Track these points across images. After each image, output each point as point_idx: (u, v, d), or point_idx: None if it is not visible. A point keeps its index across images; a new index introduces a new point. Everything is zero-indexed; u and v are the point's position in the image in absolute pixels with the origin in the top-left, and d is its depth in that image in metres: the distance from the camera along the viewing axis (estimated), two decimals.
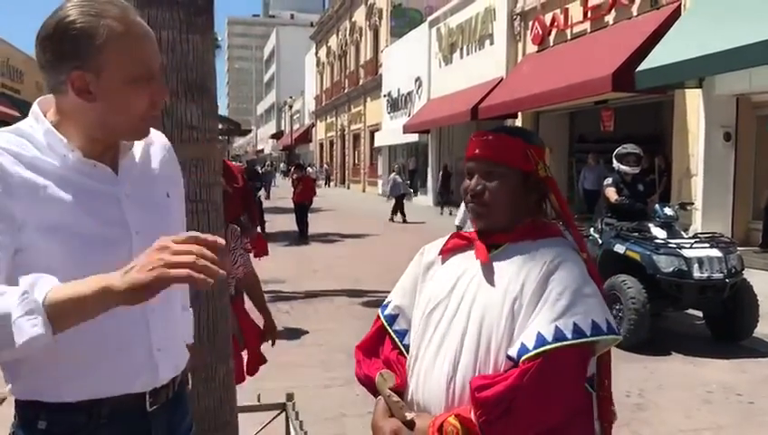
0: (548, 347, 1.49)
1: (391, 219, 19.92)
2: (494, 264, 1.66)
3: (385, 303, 1.91)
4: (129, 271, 1.20)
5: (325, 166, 46.23)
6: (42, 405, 1.42)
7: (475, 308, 1.62)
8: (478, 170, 1.70)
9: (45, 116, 1.45)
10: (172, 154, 1.67)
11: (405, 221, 19.52)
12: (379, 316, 1.89)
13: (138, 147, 1.55)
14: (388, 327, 1.84)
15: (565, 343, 1.50)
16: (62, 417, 1.42)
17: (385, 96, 32.17)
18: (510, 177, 1.67)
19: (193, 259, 1.17)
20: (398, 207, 20.05)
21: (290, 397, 3.42)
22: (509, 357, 1.54)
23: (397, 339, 1.82)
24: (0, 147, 1.35)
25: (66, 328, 1.22)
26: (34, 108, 1.46)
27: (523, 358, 1.50)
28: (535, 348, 1.50)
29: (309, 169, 29.42)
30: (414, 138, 27.46)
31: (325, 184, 32.91)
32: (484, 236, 1.72)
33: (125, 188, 1.48)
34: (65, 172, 1.40)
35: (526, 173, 1.68)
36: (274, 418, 3.49)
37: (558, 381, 1.52)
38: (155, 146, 1.61)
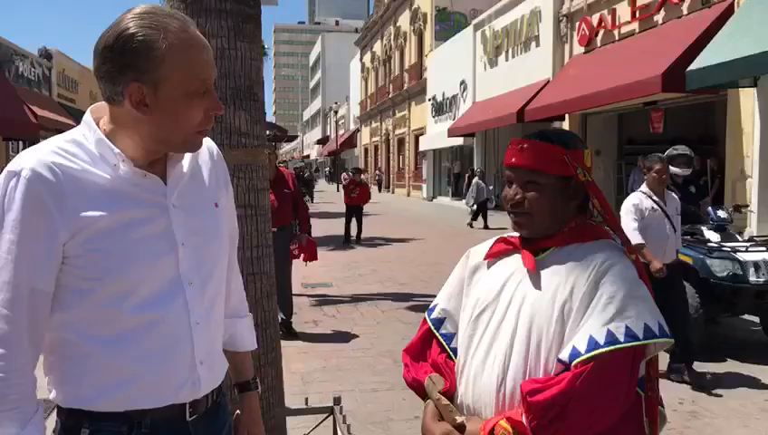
0: (600, 351, 1.48)
1: (470, 224, 19.14)
2: (542, 268, 1.65)
3: (431, 306, 1.91)
4: None
5: (377, 172, 45.76)
6: (85, 414, 1.44)
7: (524, 312, 1.61)
8: (516, 180, 1.69)
9: (98, 124, 1.46)
10: (221, 161, 1.67)
11: (486, 227, 18.77)
12: (425, 320, 1.90)
13: (187, 156, 1.55)
14: (435, 331, 1.84)
15: (618, 346, 1.48)
16: (105, 426, 1.44)
17: (429, 100, 32.13)
18: (548, 184, 1.65)
19: None
20: (480, 213, 19.36)
21: (337, 401, 3.43)
22: (560, 361, 1.53)
23: (444, 342, 1.82)
24: (51, 160, 1.37)
25: None
26: (87, 117, 1.47)
27: (575, 362, 1.49)
28: (587, 352, 1.48)
29: (363, 175, 29.66)
30: (459, 141, 27.34)
31: (378, 190, 32.62)
32: (529, 241, 1.71)
33: (173, 198, 1.48)
34: (115, 182, 1.41)
35: (566, 179, 1.65)
36: (322, 421, 3.51)
37: (610, 384, 1.50)
38: (204, 154, 1.61)
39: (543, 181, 1.65)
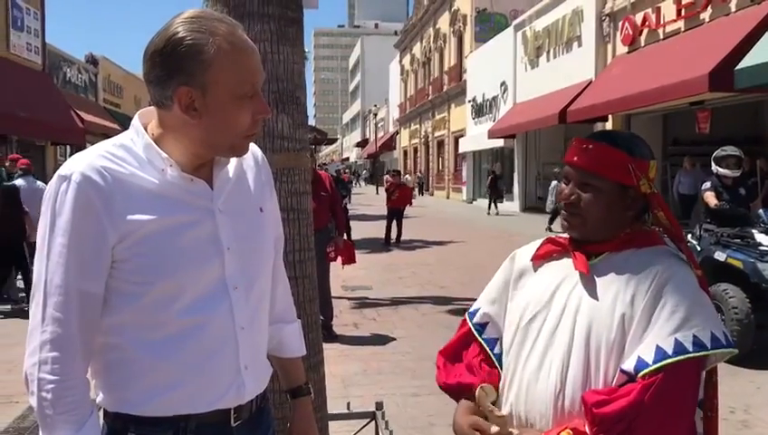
0: (669, 361, 1.43)
1: (549, 229, 17.28)
2: (596, 274, 1.59)
3: (472, 310, 1.86)
4: None
5: (418, 174, 44.96)
6: (131, 418, 1.44)
7: (581, 319, 1.56)
8: (574, 179, 1.63)
9: (146, 129, 1.47)
10: (266, 166, 1.66)
11: (549, 230, 17.72)
12: (465, 322, 1.85)
13: (232, 160, 1.55)
14: (477, 335, 1.80)
15: (687, 356, 1.43)
16: (150, 430, 1.44)
17: (469, 102, 31.99)
18: (607, 191, 1.58)
19: None
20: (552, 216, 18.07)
21: (379, 405, 3.41)
22: (624, 371, 1.47)
23: (488, 348, 1.77)
24: (100, 164, 1.38)
25: None
26: (135, 121, 1.48)
27: (643, 373, 1.44)
28: (655, 362, 1.43)
29: (408, 177, 29.69)
30: (499, 143, 27.15)
31: (419, 193, 32.21)
32: (579, 244, 1.65)
33: (219, 202, 1.48)
34: (163, 187, 1.41)
35: (625, 187, 1.58)
36: (364, 426, 3.49)
37: (680, 396, 1.45)
38: (248, 159, 1.60)
39: (601, 186, 1.58)
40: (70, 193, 1.35)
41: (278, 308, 1.74)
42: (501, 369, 1.74)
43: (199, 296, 1.43)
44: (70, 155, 26.27)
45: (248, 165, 1.60)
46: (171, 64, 1.36)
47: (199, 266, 1.43)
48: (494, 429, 1.58)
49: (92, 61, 28.59)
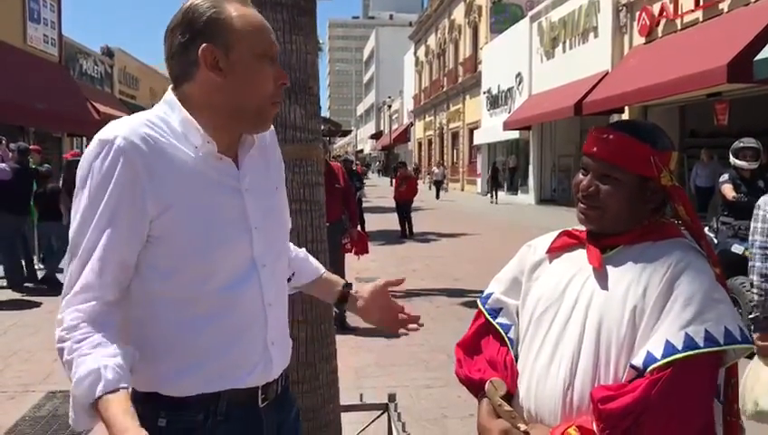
0: (678, 356, 1.39)
1: None
2: (610, 266, 1.56)
3: (485, 295, 1.83)
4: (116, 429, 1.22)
5: (434, 169, 42.29)
6: (162, 403, 1.46)
7: (592, 313, 1.52)
8: (593, 170, 1.58)
9: None
10: (276, 144, 1.68)
11: None
12: (479, 312, 1.82)
13: (254, 141, 1.57)
14: (491, 320, 1.77)
15: (697, 351, 1.39)
16: (182, 415, 1.46)
17: (484, 93, 31.83)
18: (626, 183, 1.54)
19: None
20: None
21: (392, 397, 3.40)
22: (633, 367, 1.44)
23: (502, 331, 1.74)
24: (143, 131, 1.39)
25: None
26: (170, 96, 1.48)
27: (651, 368, 1.40)
28: (664, 357, 1.39)
29: (436, 169, 29.55)
30: (514, 135, 27.04)
31: (436, 194, 31.09)
32: (596, 236, 1.61)
33: (246, 182, 1.51)
34: (197, 163, 1.43)
35: (646, 179, 1.54)
36: (377, 418, 3.49)
37: (689, 393, 1.41)
38: (264, 139, 1.61)
39: (621, 178, 1.54)
40: (112, 158, 1.35)
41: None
42: (513, 351, 1.72)
43: (230, 274, 1.45)
44: (86, 146, 26.46)
45: (263, 145, 1.61)
46: (192, 30, 1.42)
47: (231, 245, 1.45)
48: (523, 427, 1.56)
49: (108, 53, 28.72)
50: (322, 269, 1.89)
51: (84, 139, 25.56)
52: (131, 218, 1.36)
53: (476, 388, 1.72)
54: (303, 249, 1.88)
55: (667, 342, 1.41)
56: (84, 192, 1.38)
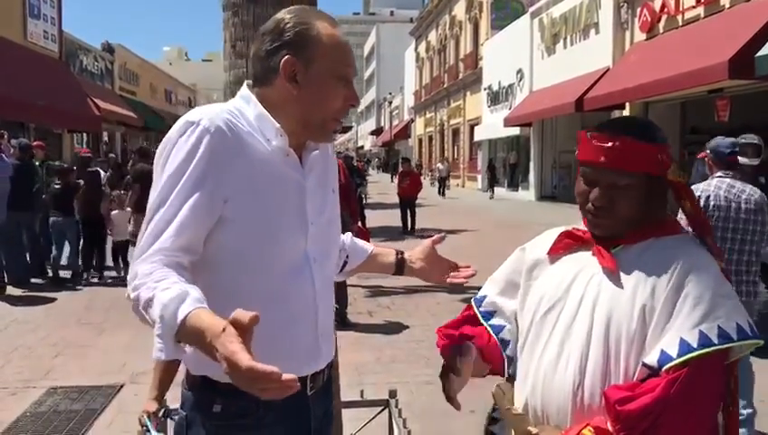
0: (695, 354, 1.38)
1: None
2: (617, 263, 1.54)
3: (479, 296, 1.83)
4: (220, 342, 1.18)
5: (439, 166, 40.77)
6: (217, 390, 1.51)
7: (600, 310, 1.51)
8: (600, 181, 1.54)
9: None
10: (334, 155, 1.79)
11: None
12: (470, 307, 1.83)
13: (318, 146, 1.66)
14: (484, 321, 1.78)
15: (712, 348, 1.39)
16: (235, 401, 1.51)
17: (485, 89, 31.79)
18: (637, 186, 1.51)
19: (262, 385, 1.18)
20: None
21: (393, 394, 3.40)
22: (646, 365, 1.43)
23: (493, 333, 1.75)
24: (227, 118, 1.48)
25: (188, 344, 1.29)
26: (245, 92, 1.58)
27: (667, 367, 1.39)
28: (680, 355, 1.39)
29: (440, 165, 29.71)
30: (515, 131, 26.99)
31: (439, 191, 30.64)
32: (602, 237, 1.60)
33: (308, 179, 1.60)
34: (269, 156, 1.51)
35: (653, 177, 1.53)
36: (377, 414, 3.48)
37: (706, 390, 1.41)
38: (325, 147, 1.70)
39: (632, 182, 1.51)
40: (197, 136, 1.43)
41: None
42: (505, 353, 1.73)
43: (287, 266, 1.54)
44: (86, 142, 26.51)
45: (324, 151, 1.69)
46: (281, 39, 1.51)
47: (290, 236, 1.54)
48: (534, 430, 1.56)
49: (109, 49, 28.67)
50: (371, 247, 1.98)
51: (85, 135, 25.57)
52: (209, 194, 1.42)
53: (451, 342, 1.74)
54: (348, 234, 1.97)
55: (682, 340, 1.40)
56: (167, 166, 1.44)
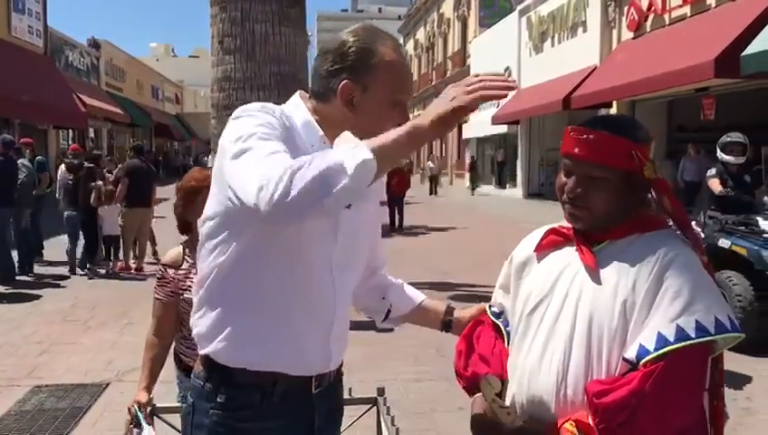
0: (671, 348, 1.40)
1: None
2: (599, 260, 1.56)
3: (491, 303, 1.88)
4: (427, 112, 1.37)
5: (430, 164, 39.68)
6: (223, 380, 1.57)
7: (582, 307, 1.53)
8: (576, 172, 1.57)
9: None
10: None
11: None
12: (476, 321, 1.87)
13: None
14: (494, 319, 1.81)
15: (689, 342, 1.40)
16: (240, 393, 1.58)
17: None
18: (612, 180, 1.53)
19: (482, 83, 1.38)
20: None
21: (381, 391, 3.38)
22: (626, 360, 1.45)
23: (502, 326, 1.78)
24: (278, 112, 1.53)
25: (384, 168, 1.35)
26: (297, 99, 1.64)
27: (644, 360, 1.41)
28: (657, 350, 1.40)
29: (431, 163, 30.02)
30: (503, 129, 27.04)
31: (430, 190, 29.72)
32: (584, 233, 1.62)
33: None
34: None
35: (630, 173, 1.54)
36: (366, 412, 3.48)
37: (683, 384, 1.42)
38: None
39: (607, 176, 1.53)
40: (271, 113, 1.50)
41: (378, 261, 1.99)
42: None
43: (311, 265, 1.58)
44: (72, 139, 26.31)
45: None
46: (342, 61, 1.55)
47: (319, 239, 1.57)
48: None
49: (95, 45, 28.47)
50: (420, 298, 1.99)
51: (70, 131, 25.37)
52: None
53: (471, 384, 1.73)
54: (403, 282, 2.00)
55: (659, 334, 1.41)
56: (240, 132, 1.43)
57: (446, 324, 1.95)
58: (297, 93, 1.66)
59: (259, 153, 1.37)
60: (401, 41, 54.39)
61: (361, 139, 1.55)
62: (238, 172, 1.38)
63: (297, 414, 1.63)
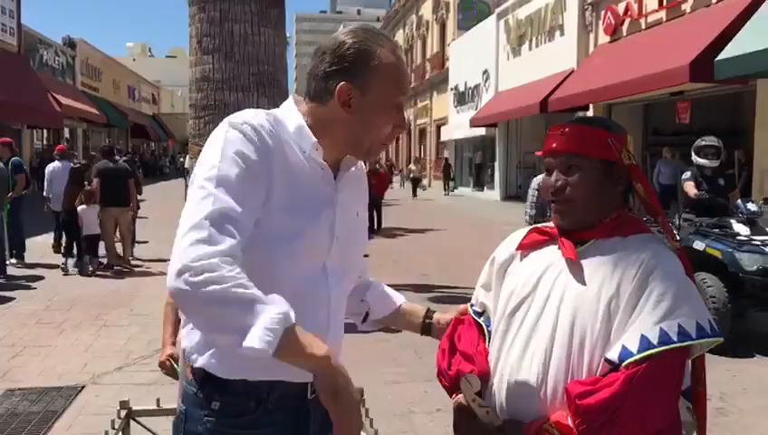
0: (654, 351, 1.41)
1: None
2: (583, 261, 1.57)
3: (472, 302, 1.88)
4: (335, 368, 1.35)
5: (410, 168, 33.97)
6: (217, 387, 1.54)
7: (565, 307, 1.54)
8: (557, 166, 1.61)
9: None
10: (364, 176, 1.80)
11: None
12: (458, 320, 1.86)
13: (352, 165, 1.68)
14: (476, 317, 1.81)
15: (671, 346, 1.42)
16: (235, 400, 1.55)
17: (452, 90, 31.94)
18: (592, 169, 1.57)
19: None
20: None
21: (360, 393, 3.38)
22: (608, 361, 1.46)
23: (483, 324, 1.78)
24: (269, 124, 1.50)
25: (280, 359, 1.31)
26: (290, 104, 1.61)
27: (627, 362, 1.42)
28: (640, 351, 1.41)
29: (413, 166, 30.50)
30: (481, 132, 27.18)
31: (413, 193, 28.68)
32: (567, 232, 1.63)
33: (341, 195, 1.62)
34: (303, 165, 1.54)
35: (610, 163, 1.58)
36: None
37: (663, 385, 1.44)
38: (358, 167, 1.73)
39: (586, 165, 1.57)
40: (239, 135, 1.46)
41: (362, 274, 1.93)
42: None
43: (306, 273, 1.56)
44: (47, 139, 25.96)
45: (357, 171, 1.72)
46: (340, 62, 1.52)
47: (314, 246, 1.55)
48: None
49: (70, 43, 28.13)
50: (399, 300, 1.97)
51: (45, 131, 25.03)
52: (254, 193, 1.44)
53: (452, 383, 1.72)
54: (382, 284, 1.98)
55: (643, 336, 1.43)
56: (215, 163, 1.43)
57: (426, 327, 1.93)
58: (291, 97, 1.64)
59: (206, 218, 1.36)
60: None
61: (356, 144, 1.57)
62: (183, 223, 1.39)
63: (292, 420, 1.62)
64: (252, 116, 1.51)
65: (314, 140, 1.54)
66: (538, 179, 7.12)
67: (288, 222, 1.50)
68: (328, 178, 1.59)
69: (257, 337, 1.26)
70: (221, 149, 1.45)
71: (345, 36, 1.55)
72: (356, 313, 1.96)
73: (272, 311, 1.29)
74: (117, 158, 11.31)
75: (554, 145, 1.61)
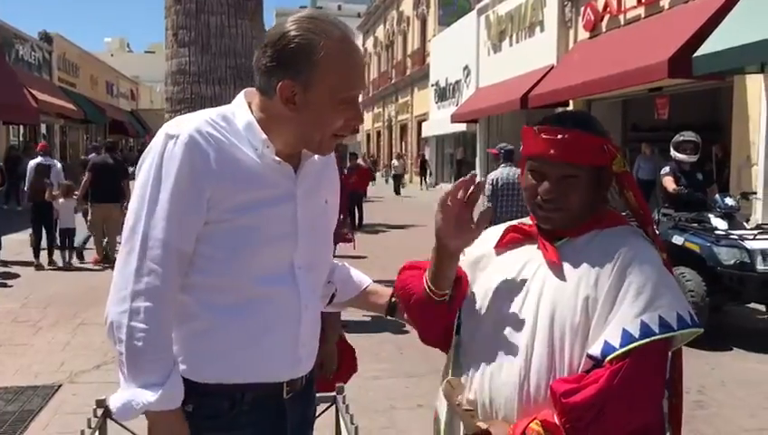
0: (636, 344, 1.40)
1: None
2: (561, 256, 1.55)
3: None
4: None
5: (394, 163, 34.03)
6: (190, 390, 1.52)
7: (544, 303, 1.52)
8: (552, 173, 1.54)
9: (250, 107, 1.55)
10: (333, 162, 1.76)
11: None
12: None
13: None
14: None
15: (653, 338, 1.41)
16: (208, 401, 1.54)
17: (432, 86, 31.93)
18: (584, 177, 1.54)
19: None
20: None
21: (340, 389, 3.35)
22: (590, 356, 1.44)
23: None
24: (206, 130, 1.47)
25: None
26: (240, 99, 1.57)
27: (610, 357, 1.41)
28: (623, 346, 1.40)
29: (395, 162, 30.60)
30: (462, 127, 27.20)
31: (395, 190, 29.24)
32: (546, 230, 1.61)
33: (302, 188, 1.58)
34: (256, 164, 1.50)
35: (599, 168, 1.55)
36: (324, 410, 3.44)
37: (649, 379, 1.43)
38: (324, 156, 1.68)
39: (580, 174, 1.53)
40: (177, 151, 1.43)
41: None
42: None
43: (273, 271, 1.53)
44: (23, 135, 25.61)
45: (322, 159, 1.66)
46: (281, 57, 1.45)
47: (278, 243, 1.53)
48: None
49: (46, 38, 27.77)
50: (366, 282, 1.93)
51: (21, 127, 24.69)
52: (192, 210, 1.44)
53: (408, 294, 1.72)
54: (346, 264, 1.94)
55: (624, 330, 1.41)
56: (149, 181, 1.44)
57: (392, 308, 1.88)
58: (242, 92, 1.59)
59: (135, 274, 1.44)
60: (360, 38, 54.71)
61: (306, 140, 1.54)
62: (117, 268, 1.49)
63: (268, 421, 1.60)
64: (187, 126, 1.46)
65: (264, 136, 1.50)
66: (494, 175, 7.70)
67: (242, 221, 1.47)
68: (286, 172, 1.55)
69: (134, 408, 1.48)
70: (155, 166, 1.45)
71: (290, 25, 1.47)
72: (322, 295, 1.89)
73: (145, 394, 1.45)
74: (117, 154, 11.44)
75: (552, 152, 1.52)
